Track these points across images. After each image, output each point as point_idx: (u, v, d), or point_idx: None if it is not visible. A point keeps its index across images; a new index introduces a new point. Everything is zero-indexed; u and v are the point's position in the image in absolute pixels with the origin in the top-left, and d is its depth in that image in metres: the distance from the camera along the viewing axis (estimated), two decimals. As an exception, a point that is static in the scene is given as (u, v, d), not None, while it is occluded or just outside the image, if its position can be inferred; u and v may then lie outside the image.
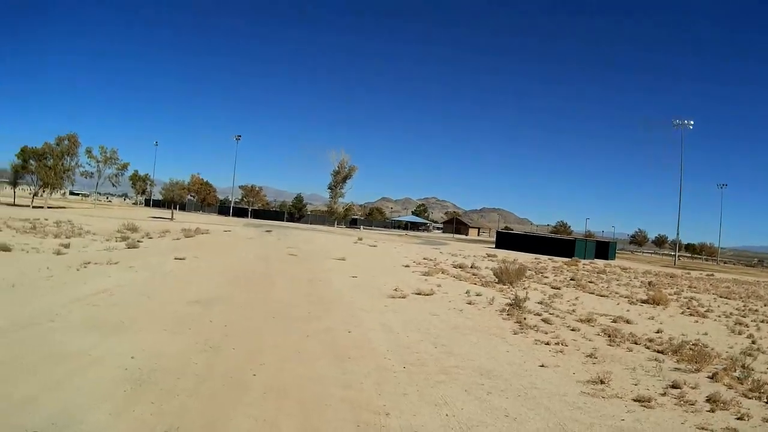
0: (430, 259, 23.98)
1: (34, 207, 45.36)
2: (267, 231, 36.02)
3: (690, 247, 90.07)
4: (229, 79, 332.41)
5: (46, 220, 25.65)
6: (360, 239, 35.83)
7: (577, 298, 14.11)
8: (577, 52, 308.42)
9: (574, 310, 11.80)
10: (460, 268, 20.60)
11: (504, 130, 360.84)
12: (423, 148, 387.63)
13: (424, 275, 16.76)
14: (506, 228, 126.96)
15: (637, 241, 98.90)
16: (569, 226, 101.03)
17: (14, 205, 47.68)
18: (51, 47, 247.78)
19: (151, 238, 21.66)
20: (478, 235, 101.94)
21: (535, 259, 33.09)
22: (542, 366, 6.81)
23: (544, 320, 10.06)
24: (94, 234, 20.49)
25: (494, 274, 16.58)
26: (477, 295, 12.91)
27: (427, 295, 12.26)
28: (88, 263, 12.13)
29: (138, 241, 18.65)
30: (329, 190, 76.30)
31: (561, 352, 7.70)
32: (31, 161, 51.45)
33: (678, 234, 56.96)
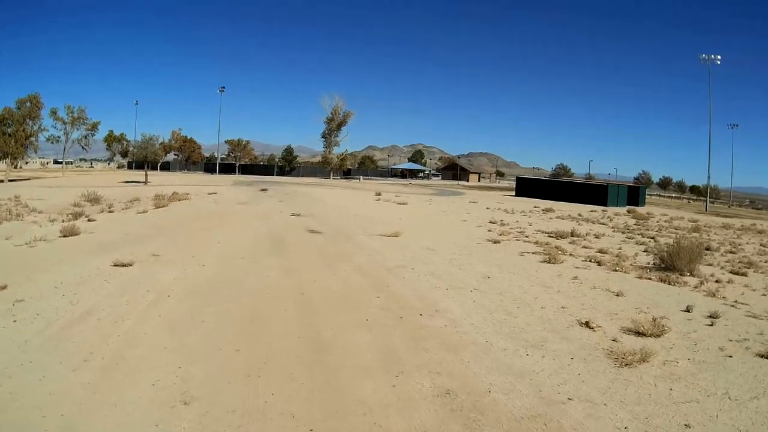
0: (498, 223, 17.27)
1: (-10, 182, 37.02)
2: (262, 190, 28.85)
3: (694, 189, 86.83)
4: (210, 28, 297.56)
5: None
6: (379, 195, 29.10)
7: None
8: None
9: None
10: (560, 237, 13.49)
11: (487, 72, 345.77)
12: (406, 95, 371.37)
13: (546, 262, 9.59)
14: (498, 172, 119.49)
15: (642, 183, 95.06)
16: (570, 169, 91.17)
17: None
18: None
19: (111, 211, 15.76)
20: (479, 180, 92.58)
21: (592, 211, 27.08)
22: None
23: None
24: (38, 213, 14.42)
25: (659, 258, 10.10)
26: (710, 317, 6.00)
27: (656, 336, 5.27)
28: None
29: (90, 220, 12.92)
30: (323, 139, 68.87)
31: None
32: (-12, 129, 44.85)
33: (709, 178, 49.91)
